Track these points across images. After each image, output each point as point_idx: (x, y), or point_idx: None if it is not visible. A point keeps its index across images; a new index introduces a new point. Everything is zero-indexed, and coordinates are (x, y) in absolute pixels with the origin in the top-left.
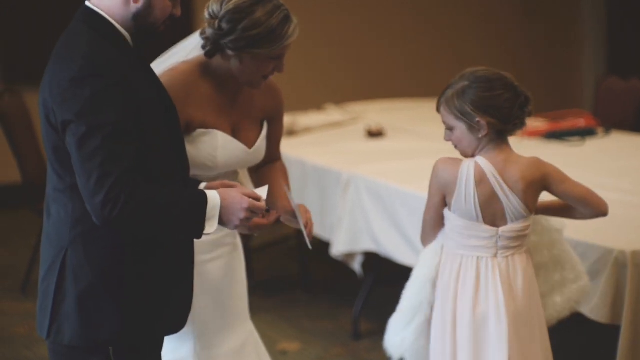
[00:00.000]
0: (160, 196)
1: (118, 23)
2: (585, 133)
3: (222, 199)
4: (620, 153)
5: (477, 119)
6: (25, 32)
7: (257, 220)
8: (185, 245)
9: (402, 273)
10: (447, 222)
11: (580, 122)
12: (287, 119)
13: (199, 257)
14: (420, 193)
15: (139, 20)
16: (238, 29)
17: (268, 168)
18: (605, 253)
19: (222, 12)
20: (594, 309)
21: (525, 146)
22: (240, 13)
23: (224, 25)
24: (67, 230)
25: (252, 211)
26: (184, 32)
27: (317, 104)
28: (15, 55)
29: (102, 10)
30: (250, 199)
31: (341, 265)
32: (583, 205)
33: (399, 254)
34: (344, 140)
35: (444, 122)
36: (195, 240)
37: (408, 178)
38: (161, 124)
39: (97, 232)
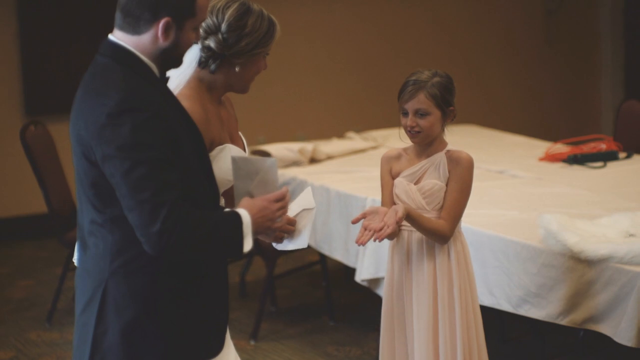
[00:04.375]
0: (205, 221)
1: (144, 56)
2: (607, 157)
3: (251, 214)
4: None
5: (452, 107)
6: (47, 64)
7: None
8: (219, 267)
9: None
10: None
11: (602, 146)
12: (309, 146)
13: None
14: None
15: (166, 55)
16: (244, 38)
17: None
18: (632, 276)
19: (224, 26)
20: (621, 333)
21: (546, 170)
22: (240, 21)
23: (231, 39)
24: (106, 262)
25: (279, 201)
26: None
27: (338, 133)
28: (39, 87)
29: (127, 44)
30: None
31: (366, 291)
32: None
33: None
34: (366, 166)
35: (420, 108)
36: None
37: None
38: (192, 151)
39: (138, 262)
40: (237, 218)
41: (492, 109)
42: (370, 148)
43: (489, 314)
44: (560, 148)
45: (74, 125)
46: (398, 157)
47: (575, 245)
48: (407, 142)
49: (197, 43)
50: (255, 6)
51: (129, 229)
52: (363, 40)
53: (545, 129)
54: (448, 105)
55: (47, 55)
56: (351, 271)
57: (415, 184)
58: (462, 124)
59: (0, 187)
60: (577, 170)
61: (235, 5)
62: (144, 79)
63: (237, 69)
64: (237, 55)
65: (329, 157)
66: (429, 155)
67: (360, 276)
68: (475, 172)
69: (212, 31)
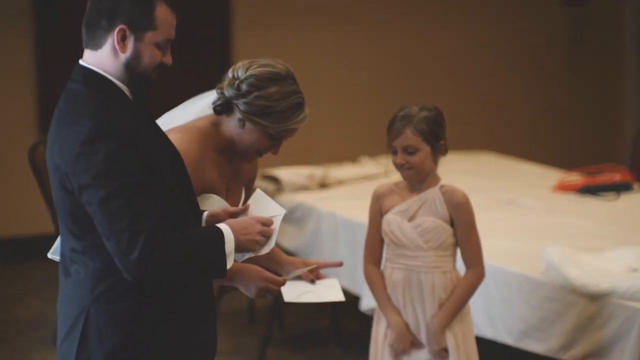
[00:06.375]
0: (184, 244)
1: (113, 77)
2: (620, 188)
3: (234, 230)
4: None
5: (442, 142)
6: (63, 82)
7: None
8: (205, 287)
9: None
10: None
11: (616, 177)
12: (318, 172)
13: None
14: None
15: (131, 70)
16: (253, 95)
17: None
18: (634, 313)
19: (246, 75)
20: None
21: (558, 200)
22: (261, 81)
23: (243, 87)
24: (88, 289)
25: (265, 224)
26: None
27: (355, 156)
28: (53, 105)
29: (96, 67)
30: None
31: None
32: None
33: None
34: None
35: (408, 145)
36: None
37: None
38: (170, 173)
39: (120, 289)
40: (220, 236)
41: (514, 137)
42: (381, 174)
43: (491, 346)
44: (574, 178)
45: (50, 154)
46: (389, 192)
47: (577, 279)
48: (396, 176)
49: (166, 64)
50: (290, 87)
51: (109, 255)
52: (381, 63)
53: (567, 157)
54: (438, 139)
55: (63, 73)
56: (358, 299)
57: (408, 220)
58: (480, 150)
59: (14, 206)
60: (590, 201)
61: (268, 69)
62: (116, 104)
63: (235, 124)
64: (240, 108)
65: (339, 182)
66: (421, 191)
67: (366, 305)
68: (484, 201)
69: (235, 78)
